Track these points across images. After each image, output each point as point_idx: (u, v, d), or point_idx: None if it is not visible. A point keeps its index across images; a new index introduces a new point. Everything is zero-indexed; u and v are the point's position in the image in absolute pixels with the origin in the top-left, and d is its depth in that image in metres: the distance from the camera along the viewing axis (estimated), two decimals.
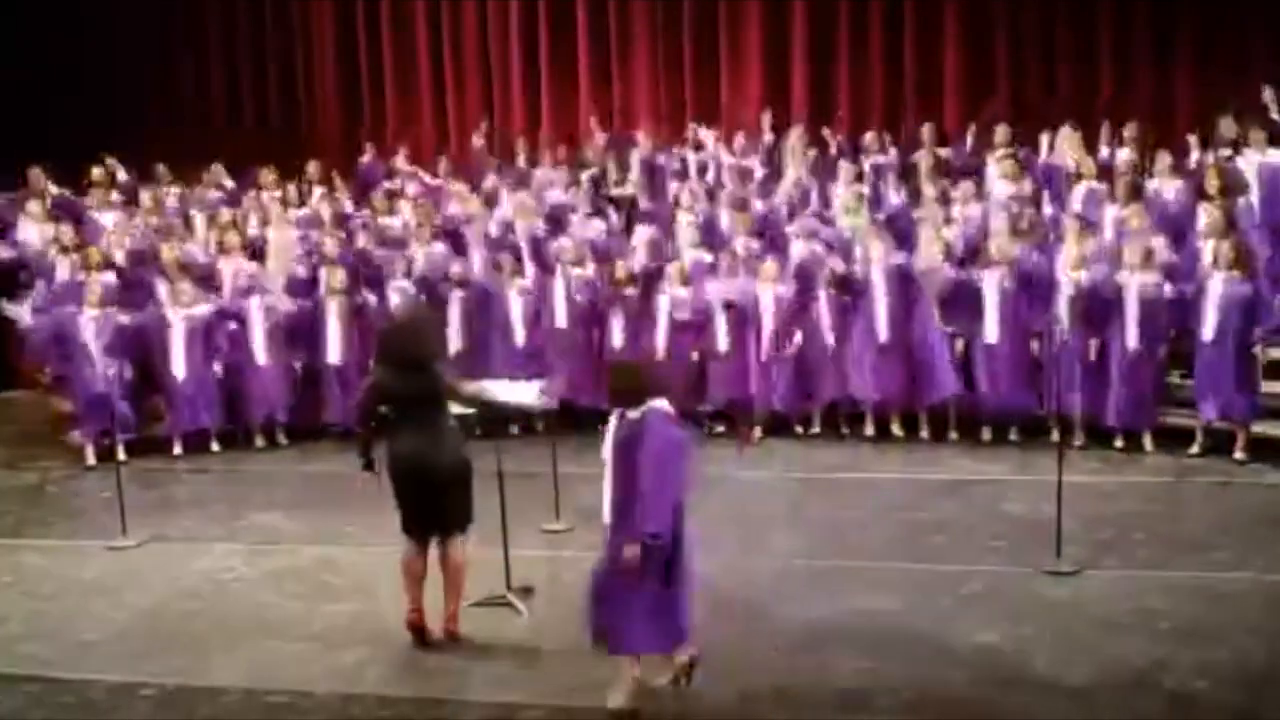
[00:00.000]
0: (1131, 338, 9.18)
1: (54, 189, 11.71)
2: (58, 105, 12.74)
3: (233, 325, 10.62)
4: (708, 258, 10.69)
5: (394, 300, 10.48)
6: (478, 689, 5.80)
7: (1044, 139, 11.30)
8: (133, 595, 7.22)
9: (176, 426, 10.47)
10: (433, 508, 6.19)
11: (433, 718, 5.60)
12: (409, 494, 6.19)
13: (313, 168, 12.64)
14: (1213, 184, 9.76)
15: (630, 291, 10.43)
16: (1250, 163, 10.13)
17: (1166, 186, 10.34)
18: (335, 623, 6.62)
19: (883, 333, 9.85)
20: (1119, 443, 9.37)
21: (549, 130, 13.19)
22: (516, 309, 10.58)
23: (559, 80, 13.27)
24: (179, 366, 10.33)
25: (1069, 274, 9.39)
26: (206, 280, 10.78)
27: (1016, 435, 9.75)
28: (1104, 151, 11.05)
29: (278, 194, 12.14)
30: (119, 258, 10.91)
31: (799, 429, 10.29)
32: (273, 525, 8.51)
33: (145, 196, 11.90)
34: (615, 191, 11.67)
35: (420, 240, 11.12)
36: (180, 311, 10.34)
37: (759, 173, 11.81)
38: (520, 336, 10.59)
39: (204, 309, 10.43)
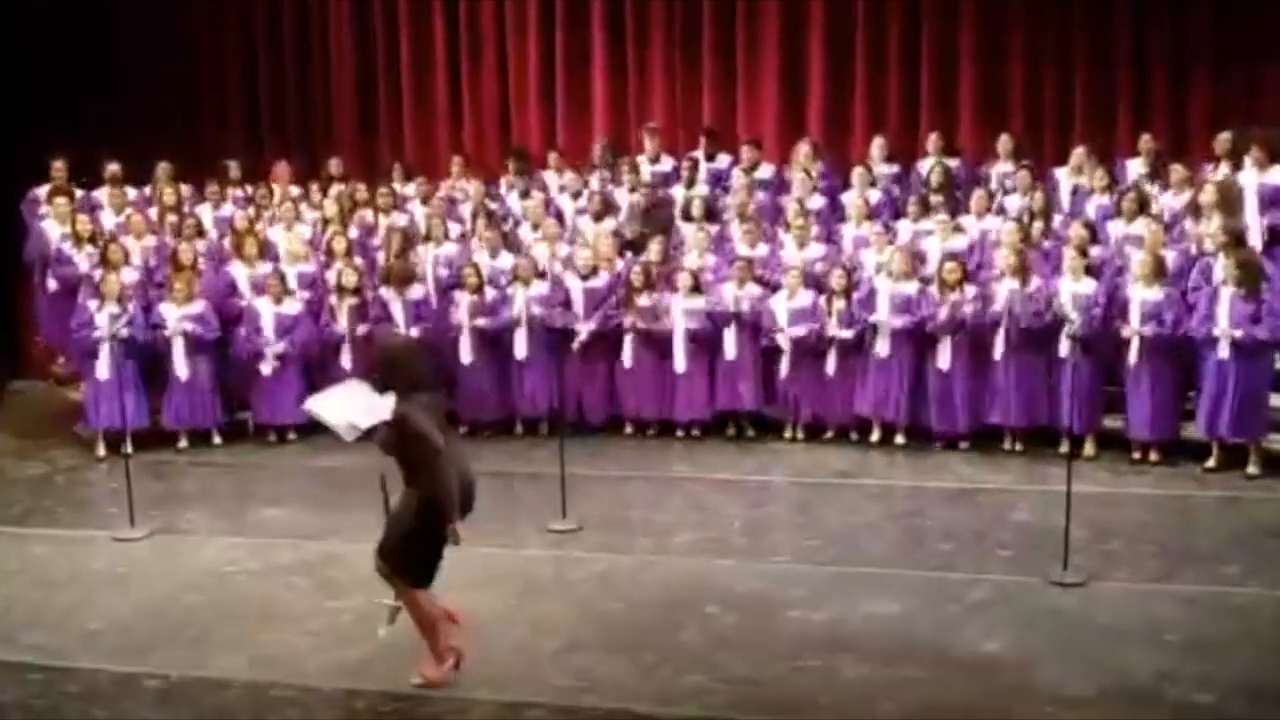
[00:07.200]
0: (1133, 352, 9.15)
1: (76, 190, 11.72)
2: (68, 105, 12.73)
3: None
4: (710, 260, 10.68)
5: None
6: (480, 687, 5.81)
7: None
8: (139, 587, 7.25)
9: (178, 422, 10.46)
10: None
11: (436, 714, 5.61)
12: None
13: (335, 164, 12.62)
14: (1206, 199, 9.65)
15: (644, 301, 10.41)
16: (1249, 181, 10.00)
17: (1178, 200, 10.28)
18: (340, 618, 6.64)
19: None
20: (1135, 454, 9.29)
21: (564, 135, 13.19)
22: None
23: (575, 85, 13.29)
24: (180, 367, 10.33)
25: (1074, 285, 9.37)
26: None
27: (1019, 444, 9.66)
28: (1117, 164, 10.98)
29: (295, 191, 12.11)
30: (137, 254, 10.94)
31: (801, 434, 10.24)
32: (279, 520, 8.53)
33: (166, 192, 11.82)
34: (633, 198, 11.59)
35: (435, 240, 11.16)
36: (179, 310, 10.34)
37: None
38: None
39: (200, 307, 10.40)
